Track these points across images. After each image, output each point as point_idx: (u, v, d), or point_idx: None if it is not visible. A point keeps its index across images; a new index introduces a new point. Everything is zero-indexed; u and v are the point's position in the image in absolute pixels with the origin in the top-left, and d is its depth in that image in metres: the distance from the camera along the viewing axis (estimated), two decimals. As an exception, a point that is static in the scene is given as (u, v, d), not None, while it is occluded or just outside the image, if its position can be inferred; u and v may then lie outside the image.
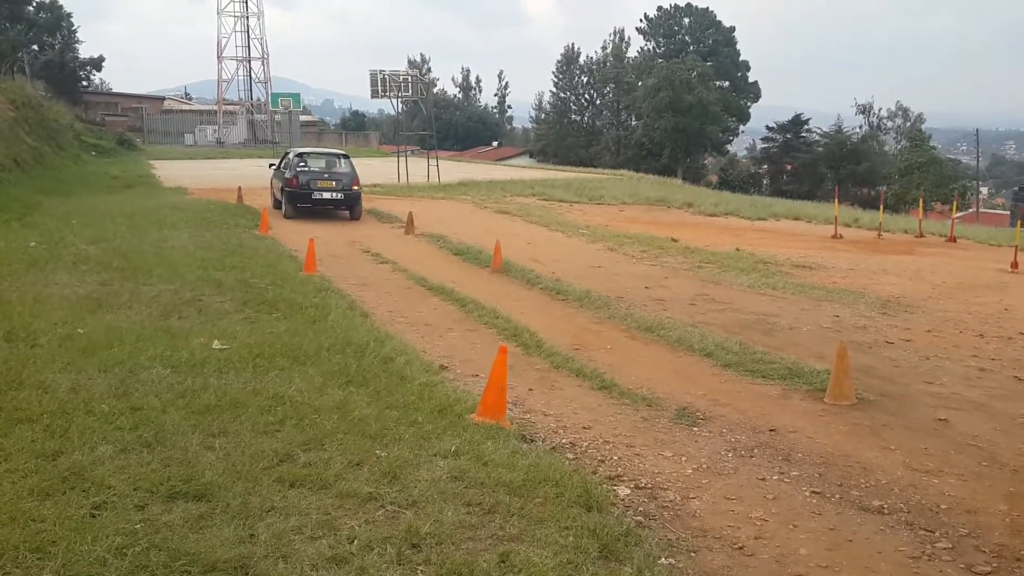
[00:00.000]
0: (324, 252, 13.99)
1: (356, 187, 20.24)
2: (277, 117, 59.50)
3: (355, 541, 3.98)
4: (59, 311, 8.45)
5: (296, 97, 60.64)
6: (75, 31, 64.20)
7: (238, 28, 61.04)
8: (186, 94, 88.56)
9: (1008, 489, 5.46)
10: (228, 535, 3.91)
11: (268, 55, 62.65)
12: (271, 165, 22.57)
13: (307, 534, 4.04)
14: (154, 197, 23.77)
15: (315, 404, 5.95)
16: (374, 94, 32.30)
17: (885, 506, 5.09)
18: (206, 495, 4.32)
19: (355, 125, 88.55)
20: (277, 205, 21.06)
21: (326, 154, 22.33)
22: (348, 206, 20.34)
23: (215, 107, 65.23)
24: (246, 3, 60.79)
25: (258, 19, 61.65)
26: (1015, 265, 15.33)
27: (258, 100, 62.93)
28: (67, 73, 60.09)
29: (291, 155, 21.18)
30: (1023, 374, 8.28)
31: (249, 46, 61.70)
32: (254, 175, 31.71)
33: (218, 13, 60.28)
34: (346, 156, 21.72)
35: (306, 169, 20.18)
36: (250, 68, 62.26)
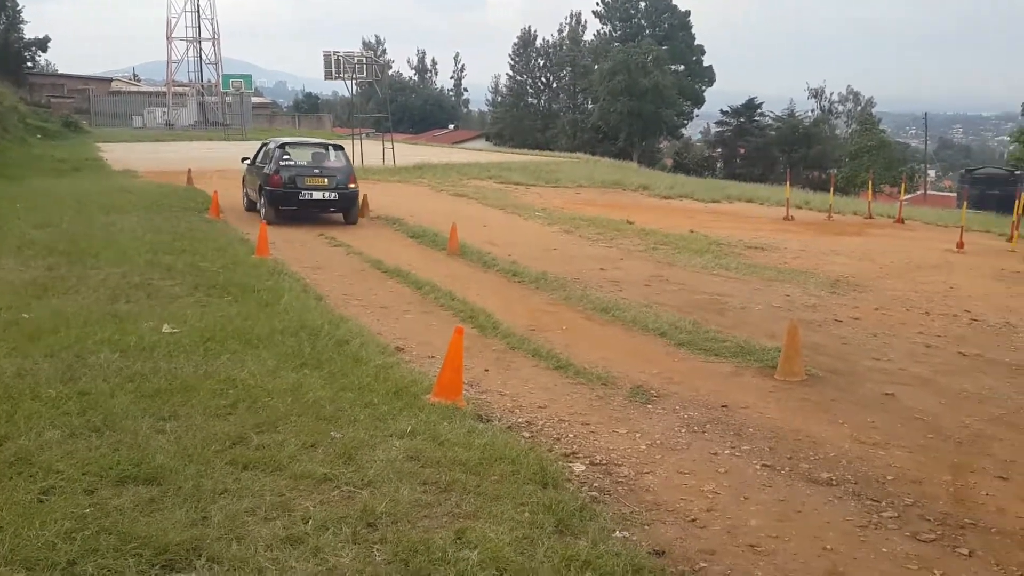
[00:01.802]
0: (277, 235, 13.83)
1: (353, 185, 16.46)
2: (228, 99, 58.55)
3: (310, 521, 3.97)
4: (3, 296, 8.27)
5: (248, 79, 59.62)
6: (19, 11, 62.29)
7: (188, 8, 59.89)
8: (135, 75, 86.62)
9: (952, 460, 5.61)
10: (180, 518, 3.86)
11: (219, 36, 61.57)
12: (244, 159, 18.36)
13: (261, 516, 4.01)
14: (102, 180, 23.29)
15: (268, 387, 5.90)
16: (328, 76, 31.92)
17: (833, 478, 5.20)
18: (157, 478, 4.27)
19: (308, 107, 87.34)
20: (252, 206, 17.42)
21: (315, 144, 18.29)
22: (343, 208, 16.51)
23: (164, 89, 63.92)
24: (196, -18, 59.57)
25: (208, -1, 60.47)
26: (961, 245, 15.69)
27: (209, 82, 61.85)
28: (11, 54, 58.37)
29: (271, 145, 17.09)
30: (967, 350, 8.50)
31: (199, 26, 60.59)
32: (204, 158, 31.24)
33: (167, -8, 58.99)
34: (339, 147, 17.62)
35: (291, 163, 16.33)
36: (200, 49, 61.17)
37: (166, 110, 60.18)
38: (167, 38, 60.05)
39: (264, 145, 17.77)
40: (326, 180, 16.27)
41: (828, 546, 4.31)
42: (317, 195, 16.16)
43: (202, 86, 61.64)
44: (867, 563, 4.16)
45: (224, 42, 64.50)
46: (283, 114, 77.46)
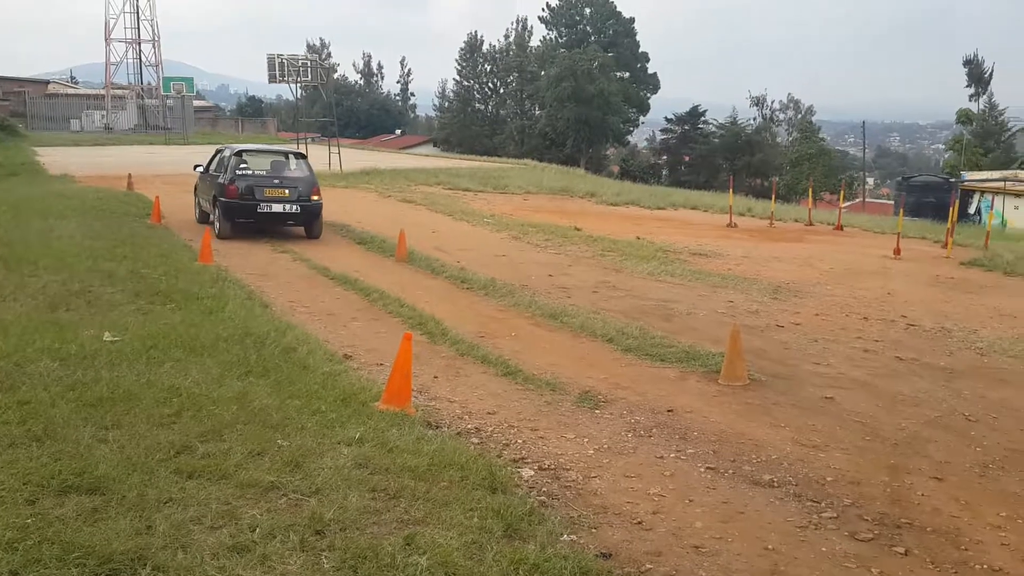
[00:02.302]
0: (220, 242, 13.66)
1: (316, 197, 15.24)
2: (169, 102, 57.42)
3: (257, 529, 3.94)
4: (-64, 304, 8.02)
5: (189, 81, 58.51)
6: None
7: (127, 9, 58.60)
8: (72, 78, 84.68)
9: (889, 461, 5.78)
10: (124, 527, 3.81)
11: (159, 37, 60.35)
12: (197, 167, 16.93)
13: (207, 524, 3.97)
14: (39, 185, 22.71)
15: (213, 395, 5.83)
16: (272, 79, 31.57)
17: (775, 480, 5.33)
18: (100, 488, 4.19)
19: (252, 111, 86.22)
20: (204, 218, 16.21)
21: (274, 152, 17.17)
22: (305, 222, 15.33)
23: (103, 91, 62.49)
24: (135, -17, 58.42)
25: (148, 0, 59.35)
26: (898, 251, 16.15)
27: (149, 84, 60.60)
28: (-60, 54, 56.52)
29: (226, 153, 15.86)
30: (904, 354, 8.76)
31: (139, 28, 59.29)
32: (145, 162, 30.65)
33: (106, -7, 57.77)
34: (301, 156, 16.37)
35: (248, 172, 15.02)
36: (140, 51, 59.90)
37: (105, 113, 58.80)
38: (106, 39, 58.71)
39: (219, 152, 16.52)
40: (287, 191, 15.04)
41: (770, 546, 4.42)
42: (277, 207, 14.92)
43: (142, 89, 60.40)
44: (807, 562, 4.28)
45: (165, 44, 63.31)
46: (226, 118, 76.28)
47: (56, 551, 3.55)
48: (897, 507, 5.03)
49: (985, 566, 4.35)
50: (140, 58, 59.87)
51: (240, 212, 14.81)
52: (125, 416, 5.26)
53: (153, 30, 59.93)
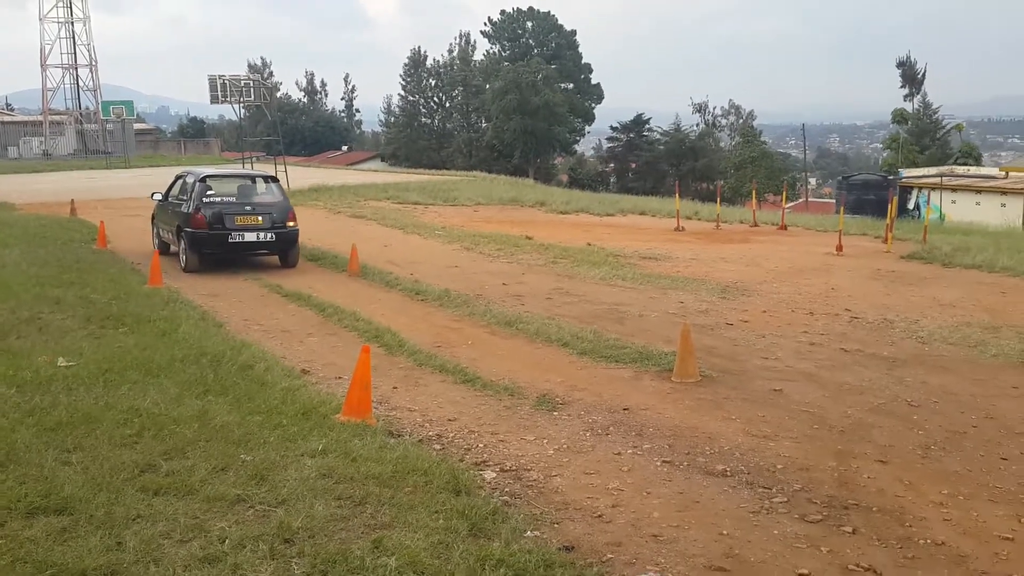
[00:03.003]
0: (169, 264, 13.54)
1: (292, 223, 14.03)
2: (109, 126, 56.52)
3: (226, 541, 4.01)
4: None
5: (129, 105, 57.77)
6: None
7: (63, 34, 57.74)
8: (7, 104, 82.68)
9: (836, 448, 6.01)
10: (95, 544, 3.85)
11: (96, 61, 59.59)
12: (154, 195, 15.45)
13: (176, 538, 4.03)
14: (-22, 214, 22.20)
15: (173, 415, 5.86)
16: (214, 99, 31.34)
17: (728, 469, 5.53)
18: (67, 508, 4.23)
19: (194, 132, 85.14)
20: (165, 249, 14.97)
21: (243, 176, 15.92)
22: (281, 250, 14.08)
23: (40, 117, 61.33)
24: (70, 8, 57.56)
25: (84, 24, 58.57)
26: (840, 248, 16.59)
27: (87, 109, 59.69)
28: None
29: (189, 179, 14.48)
30: (848, 346, 9.06)
31: (75, 52, 58.49)
32: (87, 188, 30.18)
33: (40, 19, 56.85)
34: (272, 178, 15.12)
35: (216, 199, 13.71)
36: (77, 76, 59.05)
37: (43, 140, 57.76)
38: (41, 65, 57.78)
39: (179, 178, 15.14)
40: (260, 218, 13.72)
41: (724, 531, 4.60)
42: (250, 236, 13.57)
43: (80, 114, 59.46)
44: (760, 544, 4.46)
45: (102, 67, 62.60)
46: (167, 140, 75.26)
47: (29, 570, 3.60)
48: (844, 490, 5.25)
49: (928, 540, 4.57)
50: (77, 83, 59.01)
51: (209, 243, 13.51)
52: (86, 438, 5.28)
53: (90, 54, 59.16)
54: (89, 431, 5.40)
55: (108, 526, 4.07)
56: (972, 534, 4.66)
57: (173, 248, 14.57)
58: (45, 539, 3.90)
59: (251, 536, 4.07)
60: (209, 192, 13.82)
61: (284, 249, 14.08)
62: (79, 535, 3.96)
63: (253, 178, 15.27)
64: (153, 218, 15.96)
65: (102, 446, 5.17)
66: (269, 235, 13.72)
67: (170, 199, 14.80)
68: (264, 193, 14.56)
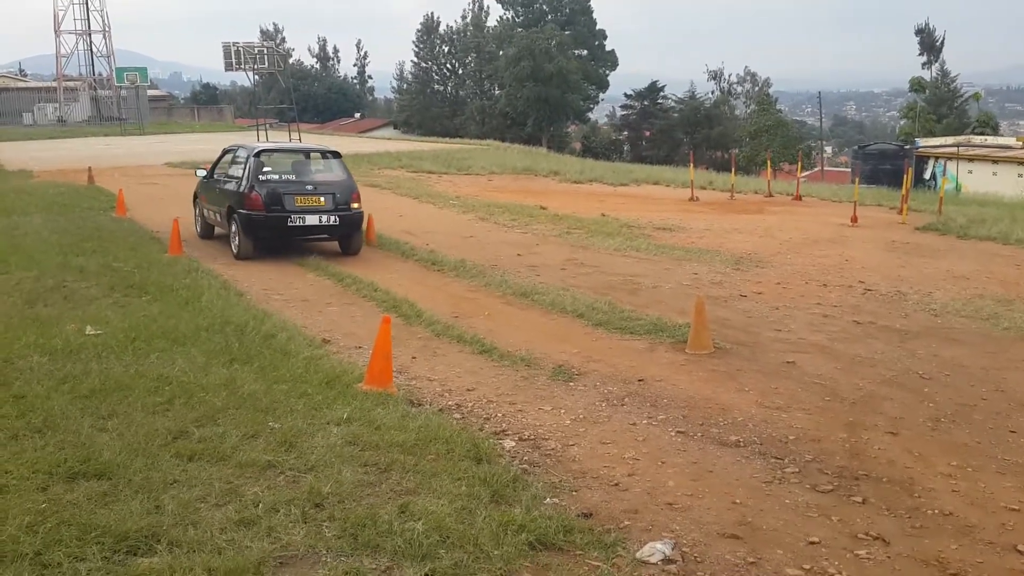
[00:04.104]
0: (186, 232, 13.64)
1: (356, 204, 12.58)
2: (123, 92, 56.64)
3: (260, 505, 4.18)
4: (-87, 305, 8.08)
5: (143, 71, 57.74)
6: None
7: (76, 0, 57.56)
8: (21, 71, 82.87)
9: (847, 419, 6.13)
10: (135, 508, 4.03)
11: (110, 27, 59.51)
12: (198, 172, 14.43)
13: (212, 502, 4.21)
14: (-3, 182, 22.44)
15: (202, 383, 6.03)
16: (228, 67, 31.47)
17: (741, 440, 5.66)
18: (106, 473, 4.41)
19: (207, 99, 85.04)
20: (209, 232, 13.95)
21: (302, 151, 14.14)
22: (344, 235, 12.64)
23: (54, 84, 61.42)
24: (83, -27, 57.37)
25: (97, -11, 58.29)
26: (855, 219, 16.59)
27: (101, 75, 59.76)
28: None
29: (241, 154, 13.18)
30: (861, 318, 9.15)
31: (89, 19, 58.41)
32: (103, 155, 30.35)
33: (53, -16, 56.66)
34: (334, 153, 13.58)
35: (274, 178, 12.34)
36: (91, 42, 59.05)
37: (58, 106, 57.90)
38: (55, 31, 57.76)
39: (226, 152, 13.96)
40: (322, 199, 12.29)
41: (737, 500, 4.74)
42: (312, 219, 12.15)
43: (94, 80, 59.51)
44: (772, 513, 4.60)
45: (115, 33, 62.30)
46: (181, 106, 75.28)
47: (74, 532, 3.77)
48: (855, 461, 5.38)
49: (937, 511, 4.70)
50: (91, 49, 59.03)
51: (266, 227, 12.13)
52: (120, 405, 5.46)
53: (103, 20, 59.06)
54: (122, 398, 5.58)
55: (147, 490, 4.25)
56: (979, 505, 4.78)
57: (219, 231, 13.56)
58: (87, 502, 4.08)
59: (283, 500, 4.24)
60: (265, 169, 12.47)
61: (348, 233, 12.64)
62: (120, 499, 4.14)
63: (314, 153, 13.78)
64: (195, 197, 14.59)
65: (135, 413, 5.35)
66: (332, 218, 12.26)
67: (216, 176, 13.60)
68: (327, 171, 13.13)
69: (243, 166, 12.64)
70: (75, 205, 16.98)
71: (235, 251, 12.38)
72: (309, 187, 12.40)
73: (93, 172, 22.26)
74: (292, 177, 12.53)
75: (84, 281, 9.69)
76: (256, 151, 12.85)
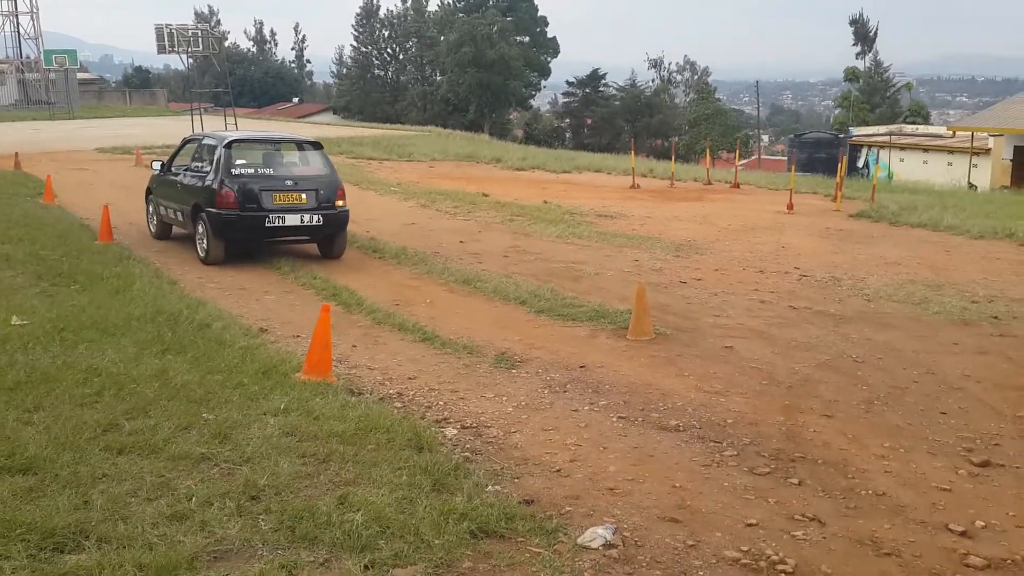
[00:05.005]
0: (119, 219, 13.23)
1: (341, 202, 11.24)
2: (52, 75, 54.72)
3: (193, 498, 4.07)
4: None
5: (72, 54, 55.75)
6: None
7: (1, -21, 55.39)
8: (-58, 51, 79.53)
9: (784, 403, 6.24)
10: (62, 503, 3.89)
11: (37, 8, 57.34)
12: (153, 163, 12.84)
13: (143, 496, 4.08)
14: (-84, 167, 21.52)
15: (133, 374, 5.86)
16: (161, 50, 30.62)
17: (681, 424, 5.72)
18: (32, 468, 4.24)
19: (140, 82, 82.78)
20: (165, 233, 12.46)
21: (278, 142, 12.27)
22: (327, 235, 11.30)
23: (-21, 66, 59.10)
24: (8, -50, 55.19)
25: (23, -32, 56.15)
26: (791, 207, 16.90)
27: (28, 58, 57.63)
28: None
29: (208, 143, 11.68)
30: (797, 304, 9.31)
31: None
32: (30, 140, 29.33)
33: (-25, -39, 54.44)
34: (316, 144, 12.11)
35: (248, 172, 10.87)
36: (17, 23, 56.82)
37: (-18, 89, 55.75)
38: (-21, 11, 55.48)
39: (188, 142, 12.60)
40: (304, 196, 10.88)
41: (677, 484, 4.78)
42: (292, 219, 10.73)
43: (21, 63, 57.41)
44: (711, 496, 4.65)
45: (44, 14, 60.29)
46: (112, 90, 73.12)
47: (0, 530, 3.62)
48: (791, 443, 5.47)
49: (870, 491, 4.80)
50: (18, 30, 56.83)
51: (240, 228, 10.70)
52: (46, 398, 5.27)
53: (31, 1, 56.91)
54: (49, 391, 5.39)
55: (74, 485, 4.10)
56: (911, 485, 4.90)
57: (178, 231, 12.20)
58: (12, 499, 3.92)
59: (218, 494, 4.13)
60: (238, 162, 11.01)
61: (332, 235, 11.31)
62: (46, 494, 3.99)
63: (293, 144, 12.31)
64: (149, 192, 12.92)
65: (63, 406, 5.16)
66: (316, 217, 10.87)
67: (175, 169, 12.08)
68: (306, 164, 11.84)
69: (211, 158, 11.14)
70: (0, 191, 16.36)
71: (202, 255, 10.94)
72: (289, 183, 10.98)
73: (20, 157, 21.49)
74: (269, 171, 11.08)
75: (10, 270, 9.36)
76: (227, 141, 11.19)
